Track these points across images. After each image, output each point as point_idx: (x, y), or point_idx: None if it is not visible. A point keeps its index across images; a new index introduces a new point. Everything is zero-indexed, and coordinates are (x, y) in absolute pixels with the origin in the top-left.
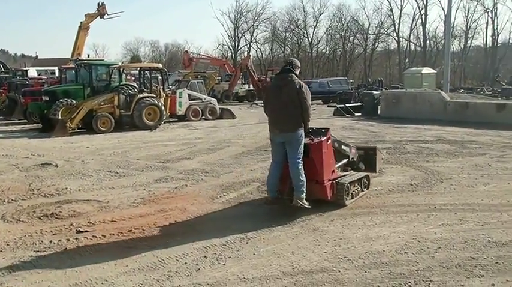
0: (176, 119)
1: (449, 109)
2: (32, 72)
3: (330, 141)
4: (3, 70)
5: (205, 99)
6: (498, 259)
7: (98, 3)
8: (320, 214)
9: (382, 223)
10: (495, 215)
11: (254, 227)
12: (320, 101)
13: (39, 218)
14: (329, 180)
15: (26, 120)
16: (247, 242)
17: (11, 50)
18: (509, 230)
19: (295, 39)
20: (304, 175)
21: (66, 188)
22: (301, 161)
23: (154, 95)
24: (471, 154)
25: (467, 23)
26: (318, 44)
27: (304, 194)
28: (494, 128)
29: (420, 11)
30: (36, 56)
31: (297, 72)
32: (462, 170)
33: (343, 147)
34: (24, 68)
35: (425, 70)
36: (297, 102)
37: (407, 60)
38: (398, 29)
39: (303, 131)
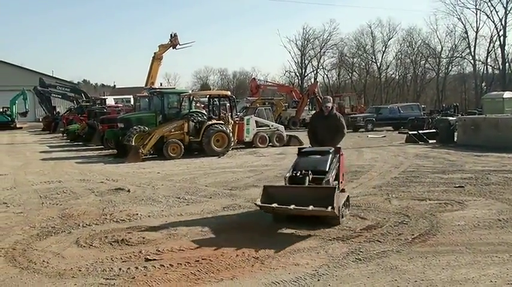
0: (243, 146)
1: None
2: (110, 100)
3: None
4: (84, 99)
5: (272, 126)
6: None
7: (171, 35)
8: (398, 250)
9: (469, 264)
10: None
11: (326, 263)
12: (390, 128)
13: (111, 244)
14: None
15: (102, 146)
16: (318, 280)
17: (92, 80)
18: None
19: (363, 64)
20: None
21: (137, 214)
22: None
23: (223, 122)
24: None
25: None
26: (387, 69)
27: None
28: None
29: (498, 33)
30: (114, 85)
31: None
32: None
33: None
34: (103, 97)
35: (507, 94)
36: None
37: (484, 84)
38: (474, 51)
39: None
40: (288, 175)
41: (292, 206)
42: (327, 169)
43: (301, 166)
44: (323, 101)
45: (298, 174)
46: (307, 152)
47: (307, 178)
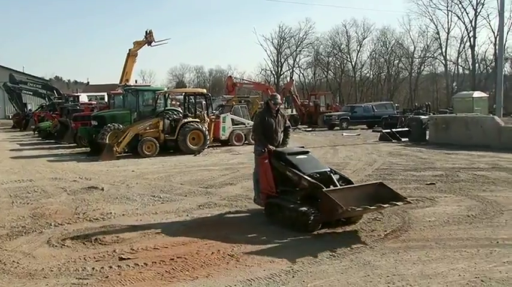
0: (219, 144)
1: (504, 135)
2: (83, 97)
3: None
4: (56, 96)
5: (248, 123)
6: None
7: (146, 31)
8: (371, 246)
9: (439, 259)
10: None
11: (300, 259)
12: (365, 126)
13: (84, 243)
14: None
15: (75, 144)
16: (293, 276)
17: (64, 76)
18: None
19: (338, 63)
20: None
21: (111, 213)
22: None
23: (199, 120)
24: None
25: None
26: (361, 68)
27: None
28: None
29: (468, 34)
30: (88, 82)
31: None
32: None
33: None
34: (76, 94)
35: (477, 94)
36: None
37: (455, 84)
38: (446, 52)
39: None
40: (306, 177)
41: (377, 205)
42: (329, 169)
43: (306, 168)
44: (273, 98)
45: (317, 176)
46: (289, 153)
47: (333, 177)
